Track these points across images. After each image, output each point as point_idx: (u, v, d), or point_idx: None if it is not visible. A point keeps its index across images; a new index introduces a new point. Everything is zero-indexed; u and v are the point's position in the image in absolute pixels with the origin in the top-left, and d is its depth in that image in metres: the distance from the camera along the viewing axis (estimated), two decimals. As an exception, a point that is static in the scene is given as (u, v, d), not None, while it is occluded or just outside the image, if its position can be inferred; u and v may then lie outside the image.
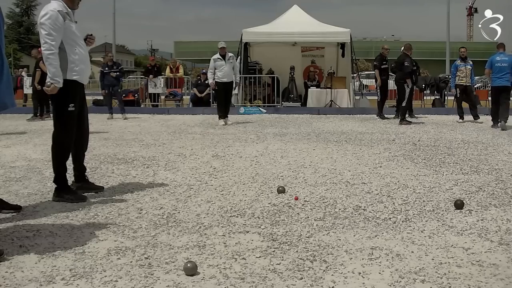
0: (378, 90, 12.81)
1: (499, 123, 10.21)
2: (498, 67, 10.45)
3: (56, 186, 4.26)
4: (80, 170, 4.54)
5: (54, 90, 4.02)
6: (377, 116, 12.56)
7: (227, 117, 11.09)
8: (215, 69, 10.78)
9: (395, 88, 12.54)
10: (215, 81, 10.89)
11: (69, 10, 4.17)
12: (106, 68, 12.59)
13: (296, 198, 4.23)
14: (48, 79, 4.01)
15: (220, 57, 10.77)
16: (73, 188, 4.38)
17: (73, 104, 4.18)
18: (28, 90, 14.63)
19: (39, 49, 12.68)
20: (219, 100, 11.26)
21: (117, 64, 13.14)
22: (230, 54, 10.95)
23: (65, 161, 4.28)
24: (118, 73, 12.66)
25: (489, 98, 16.06)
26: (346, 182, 4.91)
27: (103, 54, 20.59)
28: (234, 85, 11.27)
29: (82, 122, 4.39)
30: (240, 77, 12.29)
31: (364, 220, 3.64)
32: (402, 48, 11.92)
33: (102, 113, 13.52)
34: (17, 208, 3.86)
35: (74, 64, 4.16)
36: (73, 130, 4.25)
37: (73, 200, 4.14)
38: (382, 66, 12.63)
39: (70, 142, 4.26)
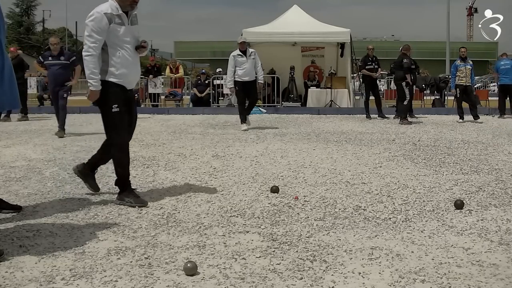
0: (364, 90, 12.81)
1: None
2: (504, 69, 12.78)
3: (120, 190, 4.17)
4: (93, 163, 4.46)
5: (92, 94, 3.97)
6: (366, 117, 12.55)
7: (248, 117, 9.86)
8: (235, 67, 9.55)
9: (395, 88, 12.60)
10: (235, 80, 9.60)
11: (121, 12, 4.01)
12: None
13: (296, 198, 4.23)
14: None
15: (241, 53, 9.56)
16: (134, 189, 4.29)
17: (116, 105, 4.03)
18: (29, 90, 14.64)
19: (12, 48, 12.77)
20: (240, 102, 9.87)
21: None
22: (252, 50, 9.74)
23: (125, 162, 4.17)
24: None
25: (489, 98, 16.30)
26: (346, 182, 4.91)
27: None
28: (258, 86, 9.88)
29: (129, 126, 4.24)
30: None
31: (364, 220, 3.64)
32: (401, 48, 11.97)
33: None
34: (17, 208, 3.86)
35: (115, 68, 4.04)
36: (124, 130, 4.14)
37: (132, 203, 4.04)
38: (367, 67, 12.62)
39: (124, 142, 4.16)
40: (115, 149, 4.14)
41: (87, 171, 4.42)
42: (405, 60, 11.40)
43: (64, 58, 8.72)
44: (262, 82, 10.07)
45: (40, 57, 9.29)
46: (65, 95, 8.79)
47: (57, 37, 9.57)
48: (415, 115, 12.79)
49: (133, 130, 4.35)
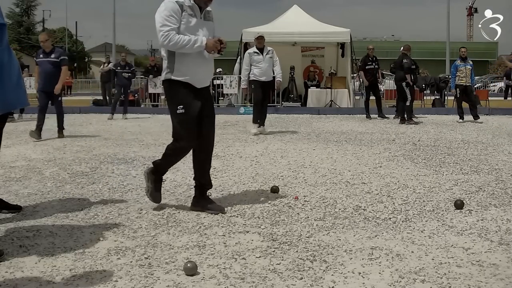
0: (364, 90, 12.83)
1: None
2: None
3: (152, 168, 3.97)
4: (200, 183, 4.05)
5: (209, 48, 3.69)
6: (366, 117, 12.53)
7: (264, 125, 9.19)
8: (251, 65, 8.91)
9: (395, 88, 12.62)
10: (251, 79, 8.95)
11: (193, 3, 3.72)
12: (119, 68, 12.76)
13: (296, 198, 4.23)
14: (196, 49, 3.69)
15: (257, 51, 8.96)
16: (164, 180, 4.11)
17: (182, 106, 3.72)
18: (29, 90, 14.63)
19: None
20: (256, 101, 9.18)
21: (130, 65, 13.26)
22: (270, 48, 9.08)
23: (172, 164, 4.08)
24: (129, 74, 12.84)
25: (489, 98, 16.31)
26: (346, 182, 4.91)
27: (106, 54, 20.59)
28: (276, 85, 9.53)
29: (200, 127, 3.86)
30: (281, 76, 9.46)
31: (364, 220, 3.64)
32: (402, 48, 11.97)
33: (102, 113, 13.54)
34: (17, 208, 3.86)
35: (182, 64, 3.74)
36: (189, 134, 3.80)
37: (148, 191, 3.90)
38: (367, 67, 12.61)
39: (185, 146, 3.90)
40: (174, 147, 3.91)
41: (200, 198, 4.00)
42: (405, 60, 11.41)
43: (54, 55, 8.42)
44: (280, 80, 9.43)
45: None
46: (60, 98, 8.57)
47: (45, 34, 9.28)
48: (415, 115, 12.78)
49: (209, 134, 4.00)
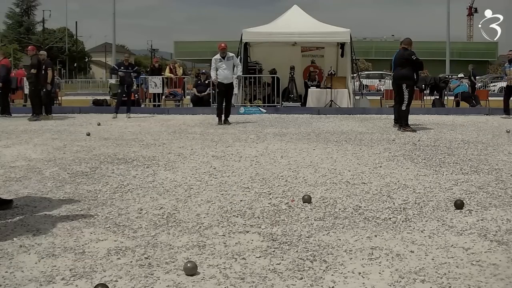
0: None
1: None
2: None
3: None
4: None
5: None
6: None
7: (227, 119, 11.15)
8: (217, 70, 11.00)
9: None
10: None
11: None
12: (122, 68, 12.87)
13: (293, 200, 4.21)
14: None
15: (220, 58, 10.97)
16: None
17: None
18: (25, 90, 14.58)
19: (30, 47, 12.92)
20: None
21: (132, 65, 13.56)
22: (231, 54, 11.16)
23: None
24: (135, 74, 13.27)
25: (489, 98, 16.32)
26: (346, 182, 4.91)
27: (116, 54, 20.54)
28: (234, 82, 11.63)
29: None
30: (241, 72, 12.11)
31: (364, 220, 3.64)
32: (401, 42, 10.44)
33: (102, 113, 13.54)
34: (8, 202, 3.89)
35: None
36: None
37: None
38: None
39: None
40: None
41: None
42: (414, 57, 9.66)
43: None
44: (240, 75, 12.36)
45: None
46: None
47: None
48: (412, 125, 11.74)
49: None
